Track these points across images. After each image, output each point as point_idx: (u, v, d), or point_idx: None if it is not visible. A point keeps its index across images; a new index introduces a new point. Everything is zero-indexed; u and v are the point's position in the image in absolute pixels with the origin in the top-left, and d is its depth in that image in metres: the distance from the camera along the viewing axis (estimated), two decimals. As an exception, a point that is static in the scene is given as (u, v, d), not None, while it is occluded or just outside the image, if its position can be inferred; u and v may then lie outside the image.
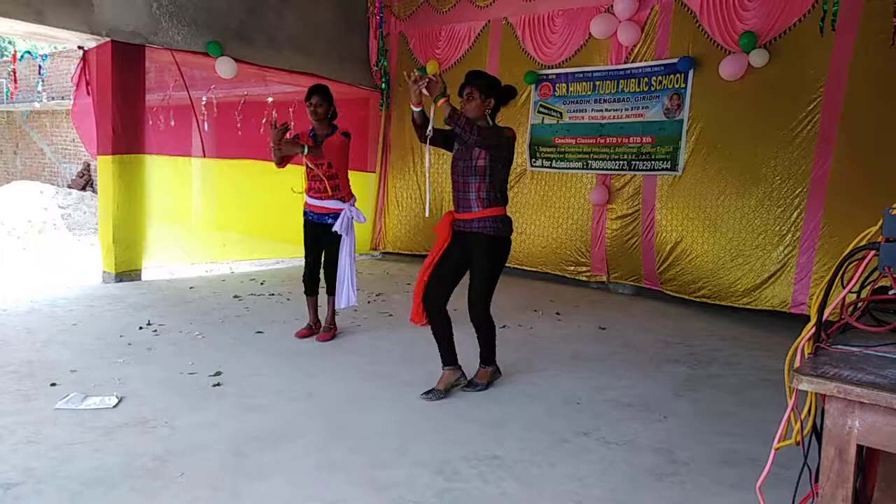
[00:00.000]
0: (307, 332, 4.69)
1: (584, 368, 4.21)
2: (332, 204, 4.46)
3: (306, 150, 4.29)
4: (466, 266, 3.58)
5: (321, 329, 4.70)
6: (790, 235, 5.57)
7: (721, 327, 5.50)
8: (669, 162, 6.30)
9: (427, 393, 3.54)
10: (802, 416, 1.48)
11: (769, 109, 5.62)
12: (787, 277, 5.57)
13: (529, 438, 3.08)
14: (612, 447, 3.01)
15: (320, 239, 4.55)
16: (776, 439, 1.50)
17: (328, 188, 4.40)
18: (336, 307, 4.61)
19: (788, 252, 5.58)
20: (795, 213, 5.54)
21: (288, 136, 4.34)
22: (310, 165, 4.43)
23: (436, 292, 3.57)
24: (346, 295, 4.51)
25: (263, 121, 4.41)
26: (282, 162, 4.40)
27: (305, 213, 4.60)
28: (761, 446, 2.99)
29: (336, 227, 4.41)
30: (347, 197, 4.51)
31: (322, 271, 4.63)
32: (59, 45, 11.57)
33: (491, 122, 3.51)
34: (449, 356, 3.65)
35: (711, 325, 5.58)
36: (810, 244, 5.46)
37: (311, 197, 4.53)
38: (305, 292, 4.70)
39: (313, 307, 4.72)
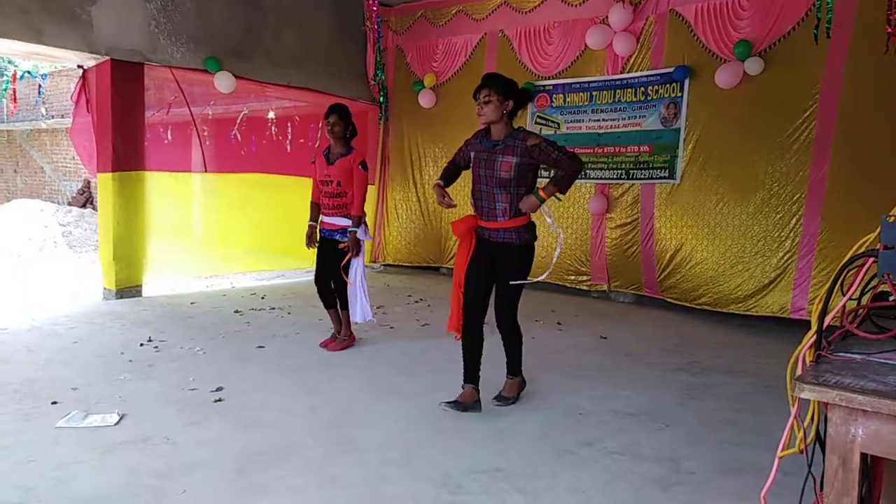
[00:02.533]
0: (332, 341, 4.75)
1: (585, 378, 4.20)
2: (339, 220, 4.51)
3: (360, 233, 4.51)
4: (495, 274, 3.50)
5: (338, 339, 4.73)
6: (789, 241, 5.58)
7: (722, 334, 5.50)
8: (667, 170, 6.32)
9: (449, 402, 3.45)
10: (805, 425, 1.48)
11: (765, 116, 5.64)
12: (787, 283, 5.57)
13: (532, 450, 3.06)
14: (615, 457, 3.00)
15: (328, 253, 4.59)
16: (780, 448, 1.50)
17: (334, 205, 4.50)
18: (352, 320, 4.67)
19: (788, 258, 5.58)
20: (794, 219, 5.55)
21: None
22: (319, 180, 4.53)
23: (474, 309, 3.50)
24: (362, 309, 4.56)
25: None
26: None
27: (320, 231, 4.66)
28: (765, 454, 2.98)
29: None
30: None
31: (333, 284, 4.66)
32: (59, 65, 11.62)
33: (509, 123, 3.42)
34: (474, 374, 3.55)
35: (712, 332, 5.57)
36: (809, 249, 5.46)
37: (322, 213, 4.60)
38: (324, 306, 4.75)
39: (335, 317, 4.74)
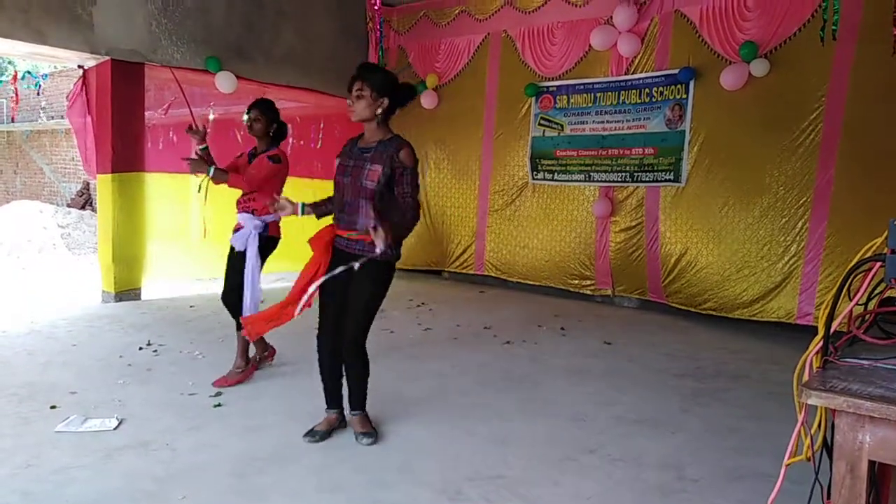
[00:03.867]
0: (232, 381, 3.95)
1: (589, 384, 4.16)
2: (242, 218, 3.99)
3: (212, 173, 3.86)
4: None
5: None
6: (795, 245, 5.54)
7: (727, 340, 5.46)
8: (672, 173, 6.28)
9: (308, 433, 3.16)
10: (812, 431, 1.45)
11: (771, 119, 5.61)
12: (793, 288, 5.53)
13: (534, 457, 3.03)
14: (617, 464, 2.96)
15: (233, 260, 4.02)
16: (786, 455, 1.47)
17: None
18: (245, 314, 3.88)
19: (793, 262, 5.54)
20: (800, 223, 5.51)
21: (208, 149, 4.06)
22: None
23: (326, 331, 3.15)
24: (252, 300, 3.93)
25: (186, 130, 4.09)
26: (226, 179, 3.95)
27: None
28: (771, 461, 2.94)
29: (233, 241, 3.95)
30: (260, 211, 3.95)
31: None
32: (60, 65, 11.64)
33: (383, 126, 3.03)
34: (336, 397, 3.26)
35: (718, 337, 5.53)
36: (815, 254, 5.42)
37: (237, 209, 4.09)
38: (237, 327, 4.02)
39: (243, 344, 4.05)
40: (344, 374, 3.24)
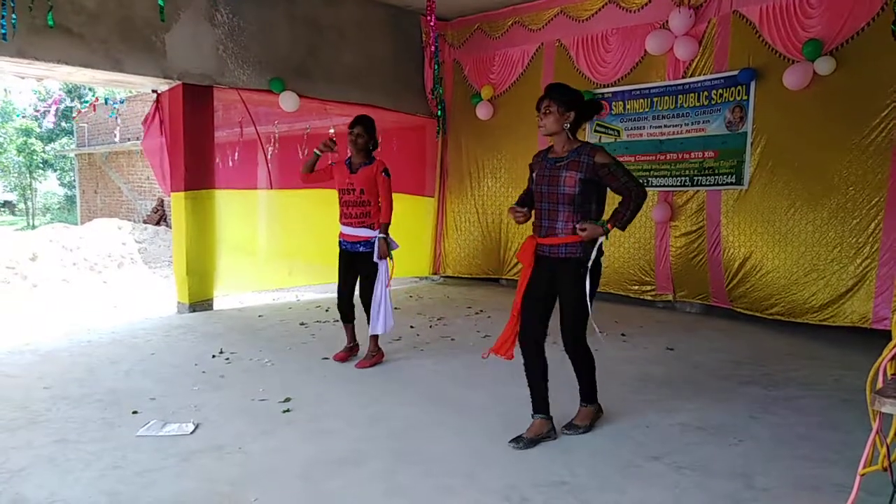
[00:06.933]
0: (346, 355, 4.77)
1: (651, 391, 4.10)
2: (362, 232, 4.49)
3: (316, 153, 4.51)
4: (556, 294, 3.28)
5: (365, 356, 4.70)
6: (868, 247, 5.31)
7: (797, 346, 5.28)
8: (734, 176, 6.13)
9: (513, 440, 3.23)
10: (889, 440, 1.42)
11: (839, 118, 5.41)
12: (867, 291, 5.30)
13: (598, 464, 3.02)
14: (684, 472, 2.92)
15: (353, 267, 4.61)
16: (861, 465, 1.44)
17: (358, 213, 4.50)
18: (371, 332, 4.61)
19: (867, 265, 5.32)
20: (873, 224, 5.28)
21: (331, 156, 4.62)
22: (341, 190, 4.54)
23: (530, 326, 3.28)
24: (382, 321, 4.52)
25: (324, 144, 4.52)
26: (311, 172, 4.60)
27: (340, 244, 4.65)
28: (846, 472, 2.84)
29: (375, 258, 4.44)
30: (377, 225, 4.49)
31: (360, 299, 4.65)
32: (135, 90, 12.27)
33: (571, 137, 3.22)
34: (542, 403, 3.30)
35: (787, 343, 5.36)
36: (891, 255, 5.19)
37: (343, 225, 4.59)
38: (342, 320, 4.79)
39: (350, 331, 4.82)
40: (548, 374, 3.35)
